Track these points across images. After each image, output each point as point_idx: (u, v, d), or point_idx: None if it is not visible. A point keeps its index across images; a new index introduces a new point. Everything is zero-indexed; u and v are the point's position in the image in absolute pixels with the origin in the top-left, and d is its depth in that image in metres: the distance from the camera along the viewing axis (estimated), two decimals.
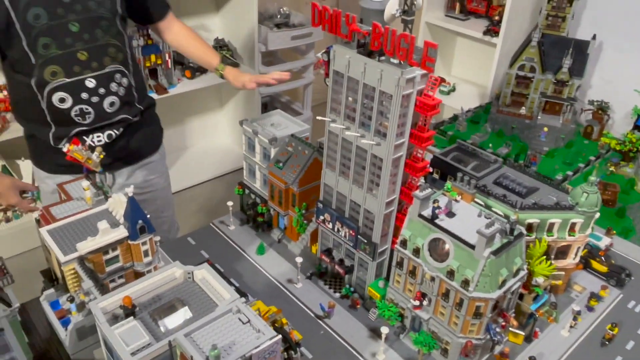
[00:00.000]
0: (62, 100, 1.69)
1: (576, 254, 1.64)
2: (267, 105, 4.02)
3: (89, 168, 1.51)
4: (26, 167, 3.06)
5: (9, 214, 3.02)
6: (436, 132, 2.86)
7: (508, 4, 3.10)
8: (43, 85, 1.66)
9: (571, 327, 1.57)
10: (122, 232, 1.27)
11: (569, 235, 1.59)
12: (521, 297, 1.52)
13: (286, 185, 1.75)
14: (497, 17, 3.32)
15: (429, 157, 1.82)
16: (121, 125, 1.83)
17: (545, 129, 2.80)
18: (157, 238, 1.38)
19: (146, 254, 1.32)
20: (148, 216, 1.30)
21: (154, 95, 2.80)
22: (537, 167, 2.59)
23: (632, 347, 1.54)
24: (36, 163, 1.88)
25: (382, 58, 1.32)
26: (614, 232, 2.01)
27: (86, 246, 1.21)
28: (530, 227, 1.56)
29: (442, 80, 3.84)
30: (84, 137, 1.76)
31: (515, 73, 2.85)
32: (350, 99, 1.41)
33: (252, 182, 1.95)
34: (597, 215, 1.59)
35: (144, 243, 1.31)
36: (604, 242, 1.91)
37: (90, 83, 1.71)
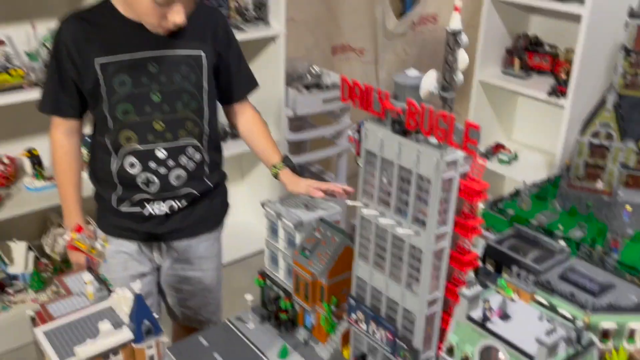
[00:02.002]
0: (131, 165, 1.93)
1: None
2: None
3: (92, 258, 1.61)
4: (18, 249, 3.18)
5: None
6: (493, 212, 2.88)
7: (577, 60, 3.19)
8: (117, 148, 1.91)
9: None
10: (125, 334, 1.31)
11: None
12: None
13: (313, 277, 1.77)
14: (564, 75, 3.40)
15: (481, 245, 1.86)
16: (185, 199, 2.03)
17: (629, 207, 2.78)
18: (165, 340, 1.43)
19: (152, 359, 1.36)
20: (151, 314, 1.36)
21: None
22: (620, 254, 2.57)
23: None
24: (99, 225, 2.07)
25: (420, 138, 1.38)
26: None
27: (85, 351, 1.26)
28: (606, 333, 1.56)
29: (502, 147, 3.91)
30: (145, 204, 1.99)
31: (589, 140, 2.87)
32: (384, 181, 1.47)
33: (275, 272, 1.99)
34: None
35: (149, 347, 1.34)
36: None
37: (161, 154, 1.92)
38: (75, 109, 1.95)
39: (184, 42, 1.90)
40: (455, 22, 1.36)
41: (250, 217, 3.73)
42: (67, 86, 1.90)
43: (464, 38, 1.37)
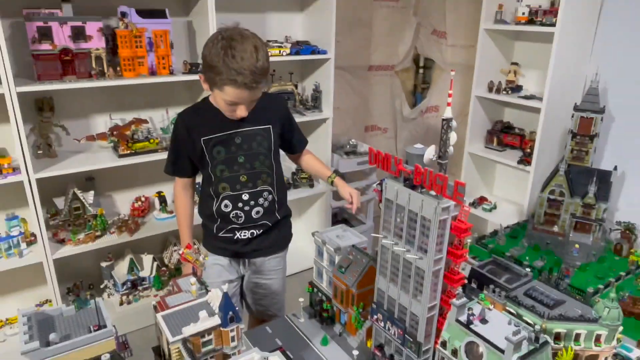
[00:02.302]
0: (226, 206, 1.99)
1: None
2: (337, 214, 4.13)
3: (196, 267, 1.65)
4: (147, 260, 3.25)
5: (130, 297, 3.18)
6: (478, 245, 2.83)
7: (537, 140, 3.15)
8: (217, 195, 1.98)
9: None
10: (216, 320, 1.32)
11: (595, 345, 1.51)
12: None
13: (347, 287, 1.76)
14: (528, 150, 3.36)
15: (468, 269, 1.83)
16: (262, 228, 2.07)
17: (577, 245, 2.70)
18: (242, 326, 1.43)
19: (233, 339, 1.35)
20: (234, 308, 1.37)
21: None
22: (571, 279, 2.48)
23: None
24: (204, 245, 2.16)
25: (423, 190, 1.39)
26: None
27: (189, 330, 1.28)
28: (558, 336, 1.49)
29: (485, 199, 3.84)
30: (235, 231, 2.04)
31: (547, 196, 2.83)
32: (398, 220, 1.47)
33: (320, 282, 1.97)
34: (621, 328, 1.51)
35: (232, 330, 1.34)
36: (635, 353, 1.76)
37: (245, 197, 1.98)
38: (188, 172, 2.02)
39: (258, 121, 1.95)
40: (448, 113, 1.38)
41: (304, 243, 3.72)
42: (182, 156, 1.97)
43: (453, 123, 1.38)
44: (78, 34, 2.65)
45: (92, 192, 3.01)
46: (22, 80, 2.61)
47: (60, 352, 1.20)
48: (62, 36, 2.61)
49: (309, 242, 2.02)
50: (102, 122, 3.09)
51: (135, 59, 2.80)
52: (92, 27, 2.68)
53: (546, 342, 1.32)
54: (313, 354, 1.77)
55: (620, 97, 2.99)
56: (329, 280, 1.91)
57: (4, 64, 2.41)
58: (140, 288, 3.21)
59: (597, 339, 1.50)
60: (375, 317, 1.64)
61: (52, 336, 1.21)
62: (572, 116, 2.79)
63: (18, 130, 2.51)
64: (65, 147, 2.99)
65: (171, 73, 2.90)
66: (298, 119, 3.44)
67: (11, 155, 2.73)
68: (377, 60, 4.37)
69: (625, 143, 2.99)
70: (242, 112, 1.82)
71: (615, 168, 2.74)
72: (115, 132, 2.95)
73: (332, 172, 2.19)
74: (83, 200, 2.93)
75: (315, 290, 2.00)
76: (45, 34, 2.57)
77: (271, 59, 3.15)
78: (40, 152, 2.86)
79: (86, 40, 2.68)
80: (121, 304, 3.13)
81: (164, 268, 3.32)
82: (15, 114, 2.49)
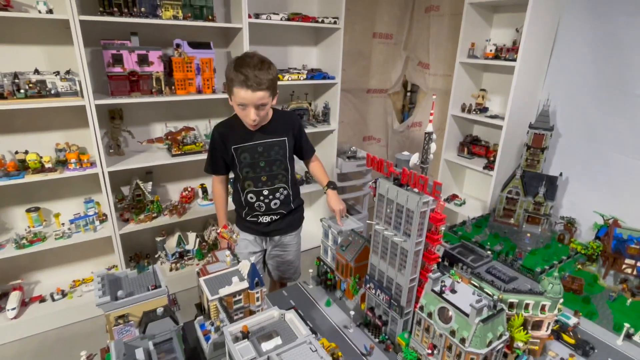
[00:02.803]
0: (251, 198, 2.00)
1: (547, 328, 1.53)
2: None
3: (231, 243, 1.67)
4: (192, 236, 3.27)
5: (178, 265, 3.21)
6: (450, 232, 2.81)
7: (499, 150, 3.12)
8: (243, 190, 1.99)
9: None
10: (245, 284, 1.35)
11: (541, 313, 1.50)
12: (506, 356, 1.43)
13: (346, 262, 1.78)
14: (492, 158, 3.32)
15: (441, 250, 1.82)
16: (279, 215, 2.07)
17: (529, 234, 2.67)
18: (265, 289, 1.44)
19: (257, 299, 1.38)
20: (259, 275, 1.38)
21: None
22: (523, 261, 2.45)
23: None
24: (236, 224, 2.16)
25: (408, 188, 1.40)
26: (581, 314, 1.85)
27: (224, 291, 1.31)
28: (511, 305, 1.49)
29: (457, 196, 3.81)
30: (259, 217, 2.04)
31: (506, 195, 2.79)
32: (388, 210, 1.48)
33: (325, 258, 1.99)
34: (561, 300, 1.50)
35: (257, 292, 1.37)
36: (572, 320, 1.75)
37: (265, 192, 1.99)
38: (223, 171, 2.02)
39: (276, 134, 1.94)
40: (429, 128, 1.37)
41: (314, 227, 3.73)
42: (218, 159, 1.98)
43: (433, 136, 1.38)
44: (142, 60, 2.67)
45: (150, 183, 3.04)
46: (99, 95, 2.64)
47: (126, 305, 1.22)
48: (130, 61, 2.63)
49: (317, 226, 2.02)
50: (159, 129, 3.11)
51: (186, 80, 2.82)
52: (154, 55, 2.69)
53: (502, 309, 1.32)
54: (319, 313, 1.78)
55: (566, 117, 2.95)
56: (332, 256, 1.93)
57: (86, 82, 2.44)
58: (185, 258, 3.23)
59: (543, 308, 1.50)
60: (368, 285, 1.66)
61: (119, 292, 1.24)
62: (528, 132, 2.75)
63: (95, 134, 2.55)
64: (131, 148, 3.02)
65: (214, 92, 2.91)
66: (311, 130, 3.45)
67: (89, 153, 2.76)
68: (374, 85, 4.35)
69: (569, 154, 2.95)
70: (251, 114, 1.75)
71: (561, 174, 2.71)
72: (169, 137, 2.97)
73: (326, 184, 2.12)
74: (143, 189, 2.96)
75: (321, 263, 2.01)
76: (117, 60, 2.60)
77: (290, 82, 3.23)
78: (112, 151, 2.89)
79: (149, 65, 2.70)
80: (171, 270, 3.16)
81: (204, 243, 3.34)
82: (93, 121, 2.52)
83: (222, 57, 3.16)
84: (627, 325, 1.71)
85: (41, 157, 2.62)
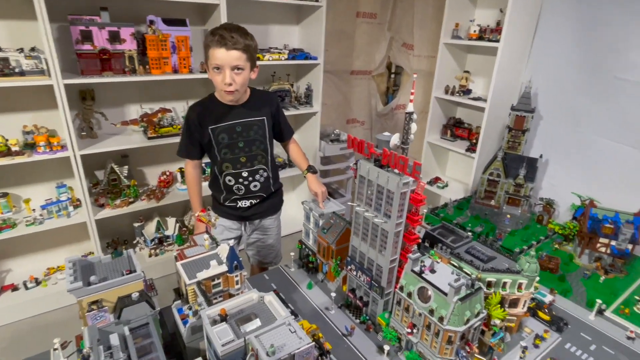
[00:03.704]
0: (229, 180, 1.96)
1: (524, 305, 1.58)
2: None
3: (209, 227, 1.65)
4: (171, 222, 3.23)
5: (157, 251, 3.17)
6: (432, 215, 2.85)
7: (481, 133, 3.16)
8: (221, 172, 1.95)
9: (520, 358, 1.48)
10: (224, 268, 1.34)
11: (518, 291, 1.55)
12: (483, 333, 1.47)
13: (328, 244, 1.78)
14: (474, 140, 3.36)
15: (422, 232, 1.85)
16: (258, 198, 2.05)
17: (509, 215, 2.73)
18: (245, 273, 1.44)
19: (237, 282, 1.38)
20: (239, 258, 1.38)
21: None
22: (502, 242, 2.52)
23: None
24: (214, 210, 2.12)
25: (389, 169, 1.39)
26: (556, 291, 1.92)
27: (202, 275, 1.30)
28: (489, 284, 1.53)
29: (439, 179, 3.87)
30: (237, 201, 2.01)
31: (487, 177, 2.84)
32: (369, 192, 1.48)
33: (307, 241, 1.99)
34: (537, 278, 1.55)
35: (236, 276, 1.37)
36: (548, 298, 1.82)
37: (245, 173, 1.96)
38: (197, 154, 1.97)
39: (254, 113, 1.91)
40: (410, 108, 1.37)
41: (296, 211, 3.76)
42: (193, 142, 1.93)
43: (414, 116, 1.38)
44: (114, 37, 2.56)
45: (126, 167, 2.97)
46: (68, 74, 2.53)
47: (99, 290, 1.20)
48: (100, 39, 2.52)
49: (300, 210, 2.02)
50: (134, 111, 3.02)
51: (161, 59, 2.72)
52: (126, 32, 2.59)
53: (480, 288, 1.36)
54: (300, 295, 1.79)
55: (547, 100, 3.00)
56: (314, 239, 1.93)
57: (53, 60, 2.33)
58: (165, 244, 3.20)
59: (519, 286, 1.54)
60: (349, 267, 1.67)
61: (92, 278, 1.21)
62: (509, 114, 2.79)
63: (65, 115, 2.45)
64: (104, 130, 2.93)
65: (190, 72, 2.83)
66: (293, 112, 3.41)
67: (60, 136, 2.67)
68: (357, 66, 4.31)
69: (550, 136, 3.01)
70: (226, 77, 1.71)
71: (541, 156, 2.77)
72: (145, 119, 2.89)
73: (306, 168, 2.11)
74: (119, 173, 2.89)
75: (303, 246, 2.02)
76: (87, 37, 2.48)
77: (271, 62, 3.16)
78: (84, 133, 2.80)
79: (121, 43, 2.59)
80: (150, 256, 3.12)
81: (184, 228, 3.30)
82: (62, 102, 2.42)
83: (199, 35, 3.06)
84: (599, 301, 1.79)
85: (7, 140, 2.51)
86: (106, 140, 2.78)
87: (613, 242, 2.22)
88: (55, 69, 2.35)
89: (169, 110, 3.00)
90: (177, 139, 2.86)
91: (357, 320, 1.64)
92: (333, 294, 1.70)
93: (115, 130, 2.92)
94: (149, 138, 2.84)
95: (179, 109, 3.16)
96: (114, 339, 1.07)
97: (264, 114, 1.95)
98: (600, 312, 1.82)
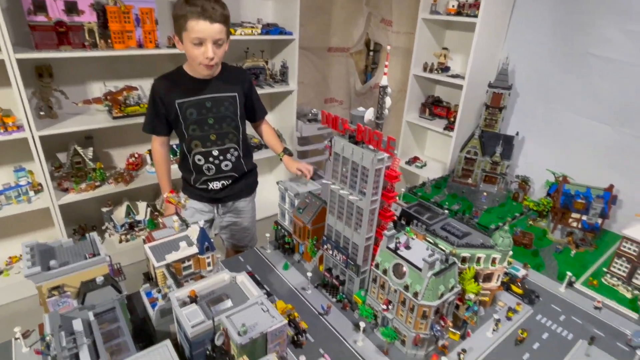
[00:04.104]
0: (199, 160, 1.91)
1: (497, 279, 1.63)
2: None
3: (179, 208, 1.61)
4: (142, 206, 3.16)
5: (128, 236, 3.11)
6: (410, 194, 2.89)
7: (459, 112, 3.19)
8: (190, 151, 1.89)
9: (494, 330, 1.54)
10: (194, 249, 1.32)
11: (492, 265, 1.59)
12: (458, 307, 1.51)
13: (304, 224, 1.78)
14: (452, 119, 3.40)
15: (399, 210, 1.86)
16: (230, 179, 2.01)
17: (485, 193, 2.79)
18: (219, 255, 1.43)
19: (209, 264, 1.36)
20: (210, 240, 1.36)
21: None
22: (479, 219, 2.58)
23: (537, 347, 1.51)
24: (184, 192, 2.07)
25: (364, 146, 1.39)
26: (529, 266, 1.99)
27: (171, 257, 1.28)
28: (464, 259, 1.57)
29: (418, 158, 3.91)
30: (208, 183, 1.97)
31: (465, 155, 2.88)
32: (344, 170, 1.47)
33: (283, 222, 1.98)
34: (510, 253, 1.59)
35: (208, 257, 1.35)
36: (521, 272, 1.89)
37: (215, 152, 1.91)
38: (164, 130, 1.91)
39: (225, 89, 1.86)
40: (384, 81, 1.36)
41: (273, 194, 3.71)
42: (159, 117, 1.86)
43: (388, 90, 1.36)
44: (71, 8, 2.42)
45: (91, 149, 2.85)
46: (21, 48, 2.38)
47: (59, 275, 1.16)
48: (56, 9, 2.37)
49: (277, 192, 1.99)
50: (97, 89, 2.89)
51: (124, 32, 2.60)
52: (84, 2, 2.45)
53: (454, 263, 1.39)
54: (276, 277, 1.80)
55: (524, 77, 3.05)
56: (290, 219, 1.92)
57: (2, 32, 2.18)
58: (136, 229, 3.14)
59: (493, 261, 1.59)
60: (325, 246, 1.67)
61: (52, 262, 1.17)
62: (487, 92, 2.82)
63: (20, 94, 2.32)
64: (65, 110, 2.79)
65: (157, 46, 2.72)
66: (268, 90, 3.35)
67: (15, 115, 2.53)
68: (335, 43, 4.24)
69: (526, 114, 3.07)
70: (209, 51, 1.66)
71: (517, 134, 2.83)
72: (109, 97, 2.78)
73: (281, 150, 2.09)
74: (83, 156, 2.78)
75: (279, 227, 2.01)
76: (40, 7, 2.33)
77: (244, 37, 3.07)
78: (43, 113, 2.66)
79: (79, 14, 2.45)
80: (120, 241, 3.06)
81: (156, 213, 3.23)
82: (15, 79, 2.28)
83: (165, 7, 2.92)
84: (569, 274, 1.86)
85: None
86: (67, 120, 2.66)
87: (584, 217, 2.31)
88: (5, 43, 2.20)
89: (135, 88, 2.89)
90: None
91: (334, 299, 1.65)
92: (309, 274, 1.70)
93: (77, 109, 2.79)
94: (114, 118, 2.74)
95: (146, 86, 3.04)
96: (77, 325, 1.04)
97: (236, 90, 1.90)
98: (570, 285, 1.90)
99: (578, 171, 2.71)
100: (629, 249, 1.86)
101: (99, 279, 1.19)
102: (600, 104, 2.65)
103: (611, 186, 2.30)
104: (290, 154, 2.07)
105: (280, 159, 2.08)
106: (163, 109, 1.83)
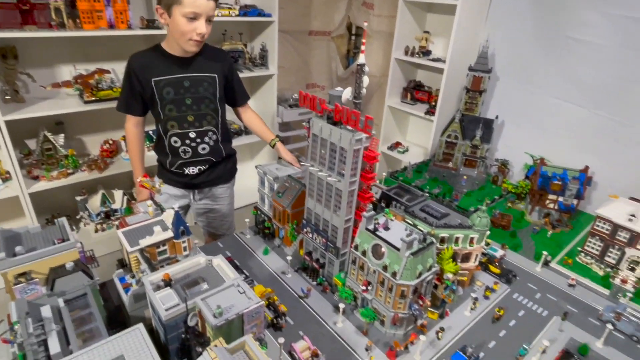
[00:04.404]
0: (175, 142, 1.86)
1: (475, 259, 1.67)
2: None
3: (153, 192, 1.58)
4: (118, 194, 3.09)
5: (104, 225, 3.05)
6: (391, 178, 2.90)
7: (440, 96, 3.21)
8: (166, 132, 1.84)
9: (471, 309, 1.58)
10: (169, 234, 1.30)
11: (469, 245, 1.62)
12: (436, 287, 1.54)
13: (283, 208, 1.77)
14: (433, 103, 3.42)
15: (380, 192, 1.88)
16: (207, 163, 1.96)
17: (465, 177, 2.82)
18: (197, 240, 1.41)
19: (185, 249, 1.34)
20: (185, 224, 1.34)
21: None
22: (459, 202, 2.62)
23: (513, 324, 1.55)
24: (159, 176, 2.03)
25: (342, 126, 1.38)
26: (507, 246, 2.04)
27: (145, 242, 1.26)
28: (443, 239, 1.59)
29: (400, 144, 3.93)
30: (184, 168, 1.93)
31: (445, 139, 2.90)
32: (323, 151, 1.47)
33: (263, 206, 1.97)
34: (488, 232, 1.63)
35: (183, 242, 1.33)
36: (499, 253, 1.92)
37: (192, 134, 1.87)
38: (138, 109, 1.86)
39: (205, 69, 1.83)
40: (361, 59, 1.34)
41: (254, 181, 3.68)
42: (135, 95, 1.81)
43: (366, 69, 1.35)
44: None
45: (62, 135, 2.76)
46: None
47: (26, 262, 1.12)
48: None
49: (257, 180, 1.97)
50: (67, 72, 2.78)
51: (93, 12, 2.49)
52: None
53: (432, 242, 1.41)
54: (256, 262, 1.79)
55: (503, 60, 3.07)
56: (269, 204, 1.91)
57: None
58: (112, 218, 3.07)
59: (471, 241, 1.62)
60: (305, 230, 1.68)
61: (17, 248, 1.13)
62: (467, 75, 2.83)
63: None
64: (33, 94, 2.68)
65: (129, 27, 2.62)
66: (247, 74, 3.28)
67: None
68: (315, 26, 4.19)
69: (505, 97, 3.11)
70: (202, 27, 1.65)
71: (497, 117, 2.85)
72: (79, 81, 2.68)
73: (274, 136, 2.07)
74: (54, 142, 2.69)
75: (259, 212, 2.00)
76: None
77: (221, 18, 2.99)
78: (8, 97, 2.55)
79: None
80: (96, 231, 3.00)
81: (133, 201, 3.17)
82: None
83: None
84: (545, 253, 1.92)
85: None
86: (36, 105, 2.56)
87: (560, 198, 2.37)
88: None
89: (107, 71, 2.79)
90: None
91: (314, 283, 1.66)
92: (289, 258, 1.71)
93: (45, 93, 2.69)
94: (86, 102, 2.64)
95: (119, 70, 2.94)
96: (46, 311, 1.01)
97: (216, 71, 1.86)
98: (546, 264, 1.96)
99: (555, 153, 2.77)
100: (602, 227, 1.92)
101: (69, 265, 1.16)
102: (578, 86, 2.70)
103: (586, 167, 2.36)
104: (282, 141, 2.05)
105: (273, 146, 2.05)
106: (139, 87, 1.78)
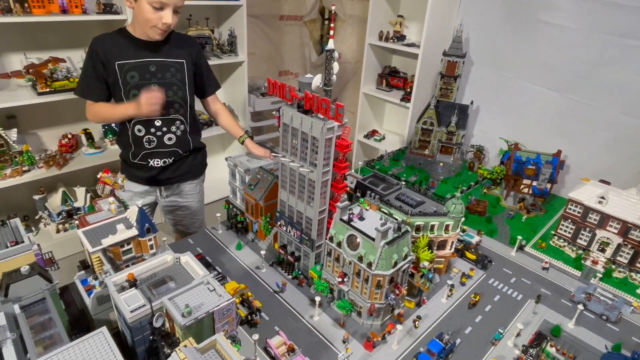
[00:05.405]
0: (139, 130, 1.81)
1: (451, 246, 1.71)
2: None
3: (115, 189, 1.53)
4: (80, 192, 2.99)
5: (67, 225, 2.94)
6: (368, 167, 2.92)
7: (415, 82, 3.24)
8: (130, 120, 1.78)
9: (448, 296, 1.62)
10: (134, 232, 1.27)
11: (445, 233, 1.66)
12: (413, 276, 1.57)
13: (256, 201, 1.76)
14: (409, 90, 3.44)
15: (355, 182, 1.89)
16: (173, 156, 1.91)
17: (441, 164, 2.87)
18: (165, 238, 1.38)
19: (152, 247, 1.32)
20: (150, 221, 1.32)
21: None
22: (436, 189, 2.67)
23: (489, 309, 1.60)
24: (122, 172, 1.90)
25: (313, 115, 1.37)
26: (483, 232, 2.09)
27: (107, 241, 1.22)
28: (418, 228, 1.62)
29: (376, 132, 3.95)
30: (148, 160, 1.87)
31: (421, 127, 2.93)
32: (294, 141, 1.46)
33: (234, 200, 1.95)
34: (463, 219, 1.67)
35: (150, 240, 1.30)
36: (475, 239, 1.98)
37: (158, 123, 1.82)
38: (100, 95, 1.78)
39: (173, 54, 1.79)
40: (331, 45, 1.34)
41: (227, 173, 3.62)
42: (98, 78, 1.75)
43: (335, 54, 1.35)
44: None
45: (15, 130, 2.63)
46: None
47: None
48: None
49: (229, 172, 1.94)
50: (17, 61, 2.65)
51: None
52: None
53: (407, 231, 1.43)
54: (229, 257, 1.78)
55: (477, 45, 3.12)
56: (241, 197, 1.89)
57: None
58: (75, 217, 2.96)
59: (447, 228, 1.65)
60: (279, 223, 1.67)
61: None
62: (442, 60, 2.86)
63: None
64: None
65: (84, 12, 2.51)
66: (216, 61, 3.21)
67: None
68: (287, 11, 4.13)
69: (480, 82, 3.17)
70: (168, 17, 1.63)
71: (472, 103, 2.91)
72: (31, 70, 2.55)
73: (243, 133, 2.04)
74: (6, 137, 2.56)
75: (231, 206, 1.98)
76: None
77: (187, 2, 2.89)
78: None
79: None
80: (58, 231, 2.89)
81: (96, 198, 3.07)
82: None
83: None
84: (520, 238, 1.99)
85: None
86: None
87: (534, 183, 2.45)
88: None
89: (63, 60, 2.67)
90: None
91: (290, 276, 1.66)
92: (263, 253, 1.70)
93: None
94: (40, 94, 2.52)
95: (75, 58, 2.82)
96: (0, 319, 0.97)
97: (184, 57, 1.82)
98: (521, 248, 2.03)
99: (529, 138, 2.85)
100: (574, 210, 2.00)
101: (24, 269, 1.12)
102: (549, 70, 2.78)
103: (559, 151, 2.45)
104: (251, 137, 2.02)
105: (242, 142, 2.02)
106: (102, 70, 1.72)
